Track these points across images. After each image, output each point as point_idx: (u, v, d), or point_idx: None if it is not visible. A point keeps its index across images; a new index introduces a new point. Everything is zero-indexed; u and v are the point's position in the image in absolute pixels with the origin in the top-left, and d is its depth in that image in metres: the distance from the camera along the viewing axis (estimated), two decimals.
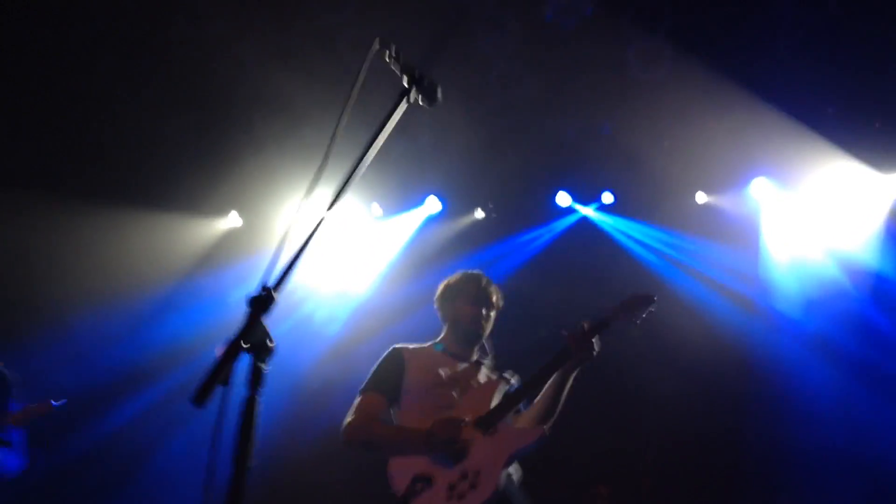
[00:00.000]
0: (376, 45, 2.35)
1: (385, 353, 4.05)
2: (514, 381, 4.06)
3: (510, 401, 3.82)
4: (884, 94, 6.47)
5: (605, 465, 6.99)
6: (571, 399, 3.88)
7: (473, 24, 6.36)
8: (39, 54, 6.46)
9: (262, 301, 1.83)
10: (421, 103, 2.54)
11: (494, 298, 4.15)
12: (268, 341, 1.81)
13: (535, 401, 3.94)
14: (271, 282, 1.89)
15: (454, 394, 3.90)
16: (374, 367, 4.01)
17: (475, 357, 4.18)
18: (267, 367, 1.80)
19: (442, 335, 4.18)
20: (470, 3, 6.13)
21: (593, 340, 3.76)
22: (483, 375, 4.09)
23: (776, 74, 6.35)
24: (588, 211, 8.05)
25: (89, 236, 7.42)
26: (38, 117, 6.87)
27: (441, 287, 4.23)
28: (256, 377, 1.79)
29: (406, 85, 2.43)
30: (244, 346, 1.76)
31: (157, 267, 7.75)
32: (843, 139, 6.65)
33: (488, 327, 4.15)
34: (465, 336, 4.11)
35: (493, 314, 4.15)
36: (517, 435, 3.73)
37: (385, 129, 2.29)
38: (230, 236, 8.27)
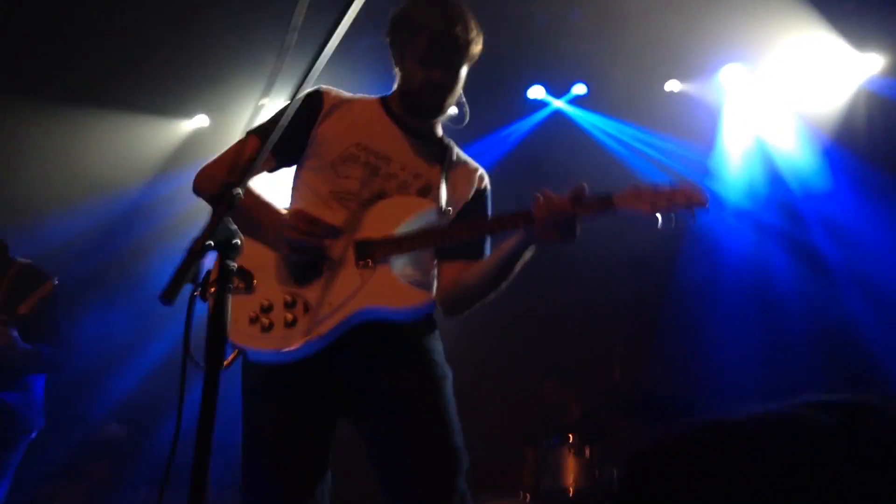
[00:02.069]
0: None
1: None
2: (453, 202, 2.87)
3: (421, 237, 2.68)
4: None
5: (567, 359, 7.25)
6: (520, 283, 2.83)
7: None
8: None
9: (226, 198, 1.81)
10: None
11: (465, 45, 2.78)
12: (234, 239, 1.80)
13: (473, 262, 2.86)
14: (235, 179, 1.87)
15: (364, 181, 2.77)
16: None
17: (435, 131, 3.00)
18: (234, 265, 1.80)
19: (392, 89, 2.99)
20: None
21: (575, 220, 2.51)
22: (421, 173, 2.85)
23: None
24: (560, 104, 7.97)
25: (56, 137, 7.28)
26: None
27: (392, 16, 2.90)
28: (224, 275, 1.78)
29: None
30: (210, 243, 1.75)
31: (124, 169, 7.64)
32: (821, 11, 6.57)
33: (452, 95, 2.88)
34: (412, 106, 2.90)
35: (461, 73, 2.85)
36: (392, 288, 2.61)
37: (345, 21, 2.21)
38: (197, 137, 8.14)
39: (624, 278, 7.57)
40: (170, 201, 7.42)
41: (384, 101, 2.98)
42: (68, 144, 7.36)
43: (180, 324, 1.78)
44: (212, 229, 1.76)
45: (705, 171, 7.55)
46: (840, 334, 6.86)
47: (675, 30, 6.71)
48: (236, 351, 2.60)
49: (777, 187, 7.54)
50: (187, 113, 8.10)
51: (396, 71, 2.94)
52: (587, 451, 5.76)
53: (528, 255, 2.73)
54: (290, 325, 2.56)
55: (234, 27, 6.90)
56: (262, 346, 2.57)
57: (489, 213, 3.03)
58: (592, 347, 7.25)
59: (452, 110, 3.01)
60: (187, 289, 1.71)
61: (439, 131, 3.03)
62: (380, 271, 2.63)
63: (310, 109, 2.82)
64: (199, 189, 2.81)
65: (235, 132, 7.79)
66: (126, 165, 7.71)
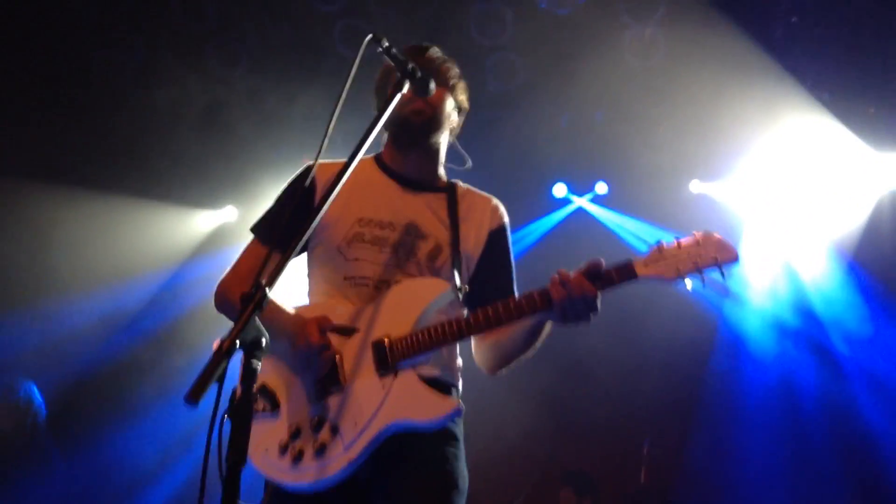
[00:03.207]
0: (369, 40, 2.34)
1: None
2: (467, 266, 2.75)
3: (440, 336, 2.54)
4: (877, 78, 6.48)
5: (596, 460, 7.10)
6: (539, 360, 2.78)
7: (467, 14, 6.34)
8: (37, 48, 6.46)
9: (256, 298, 1.82)
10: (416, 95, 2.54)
11: (446, 71, 2.80)
12: (262, 338, 1.80)
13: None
14: (265, 278, 1.88)
15: (374, 261, 2.69)
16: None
17: (437, 175, 2.88)
18: (260, 365, 1.80)
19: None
20: None
21: (595, 297, 2.42)
22: (429, 233, 2.75)
23: (772, 59, 6.34)
24: (582, 202, 8.05)
25: (89, 225, 7.41)
26: (42, 110, 6.88)
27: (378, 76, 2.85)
28: (249, 374, 1.78)
29: (399, 78, 2.43)
30: (238, 343, 1.76)
31: (152, 257, 7.73)
32: (840, 118, 6.64)
33: (442, 115, 2.79)
34: (402, 129, 2.76)
35: (447, 97, 2.81)
36: (417, 398, 2.48)
37: (379, 122, 2.30)
38: (225, 229, 8.26)
39: (651, 376, 7.46)
40: (195, 287, 7.48)
41: (377, 158, 2.93)
42: (96, 231, 7.47)
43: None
44: (240, 328, 1.76)
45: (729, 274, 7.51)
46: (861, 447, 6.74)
47: (693, 132, 6.82)
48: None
49: (799, 299, 7.49)
50: (216, 204, 8.23)
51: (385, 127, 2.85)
52: None
53: (549, 327, 2.65)
54: (320, 453, 2.45)
55: (264, 123, 7.11)
56: (296, 480, 2.47)
57: (510, 252, 2.93)
58: (616, 446, 7.09)
59: (445, 137, 2.90)
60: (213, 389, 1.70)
61: (442, 174, 2.93)
62: (402, 378, 2.51)
63: (307, 197, 2.71)
64: (222, 304, 2.77)
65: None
66: (154, 253, 7.80)
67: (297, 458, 2.46)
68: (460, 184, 2.95)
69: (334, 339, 2.56)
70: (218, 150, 7.27)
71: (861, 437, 6.84)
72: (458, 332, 2.57)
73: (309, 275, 2.85)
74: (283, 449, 2.48)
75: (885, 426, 6.79)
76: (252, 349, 1.79)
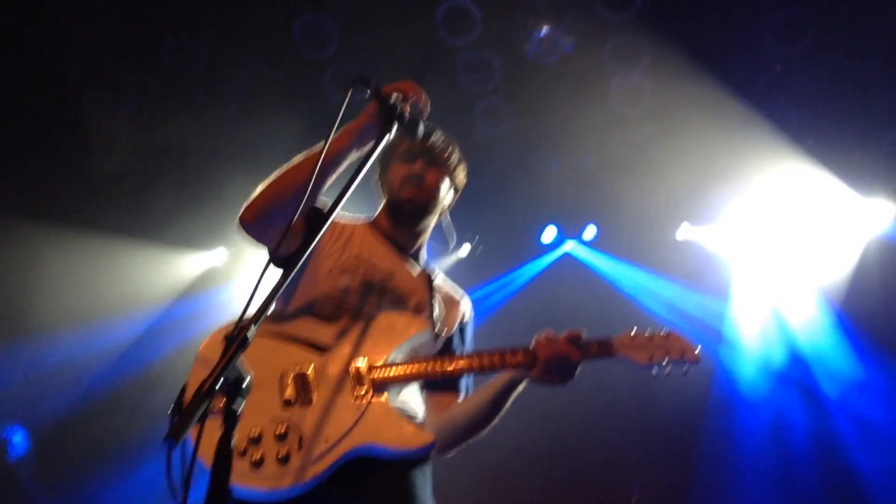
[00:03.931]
0: (356, 84, 2.37)
1: None
2: (444, 326, 2.87)
3: (422, 367, 2.59)
4: (861, 124, 6.57)
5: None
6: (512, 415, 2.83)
7: (455, 62, 6.43)
8: (33, 82, 6.50)
9: (240, 338, 1.81)
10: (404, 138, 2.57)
11: (446, 155, 2.95)
12: (244, 380, 1.79)
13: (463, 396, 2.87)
14: (248, 319, 1.87)
15: (360, 293, 2.73)
16: None
17: (420, 253, 3.04)
18: (241, 407, 1.78)
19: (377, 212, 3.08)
20: (452, 41, 6.19)
21: (577, 361, 2.61)
22: (415, 291, 2.84)
23: (757, 106, 6.43)
24: (571, 246, 8.09)
25: (73, 262, 7.39)
26: (33, 147, 6.89)
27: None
28: (230, 417, 1.77)
29: (386, 120, 2.45)
30: (220, 384, 1.74)
31: (140, 295, 7.71)
32: (825, 164, 6.72)
33: (435, 201, 2.94)
34: (395, 210, 2.93)
35: (444, 179, 2.96)
36: (391, 425, 2.47)
37: (366, 166, 2.31)
38: (215, 270, 8.26)
39: (641, 422, 7.43)
40: (183, 327, 7.44)
41: (373, 222, 3.03)
42: (83, 270, 7.44)
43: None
44: (221, 370, 1.75)
45: (719, 319, 7.56)
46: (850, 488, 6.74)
47: (681, 178, 6.89)
48: None
49: (788, 344, 7.52)
50: (207, 245, 8.23)
51: (381, 192, 3.05)
52: None
53: (520, 389, 2.74)
54: (283, 461, 2.34)
55: (254, 166, 7.12)
56: (253, 485, 2.32)
57: (468, 343, 3.03)
58: (606, 493, 7.02)
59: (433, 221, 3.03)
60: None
61: (424, 255, 3.06)
62: (377, 404, 2.48)
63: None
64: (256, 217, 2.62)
65: (251, 265, 7.96)
66: (144, 293, 7.77)
67: (258, 463, 2.34)
68: (437, 269, 3.06)
69: (311, 353, 2.56)
70: (207, 193, 7.30)
71: (849, 478, 6.88)
72: (440, 368, 2.62)
73: (292, 287, 2.78)
74: (242, 452, 2.35)
75: (870, 468, 6.82)
76: (234, 391, 1.77)
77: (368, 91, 2.42)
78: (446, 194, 3.01)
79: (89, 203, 7.28)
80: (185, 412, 1.67)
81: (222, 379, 1.73)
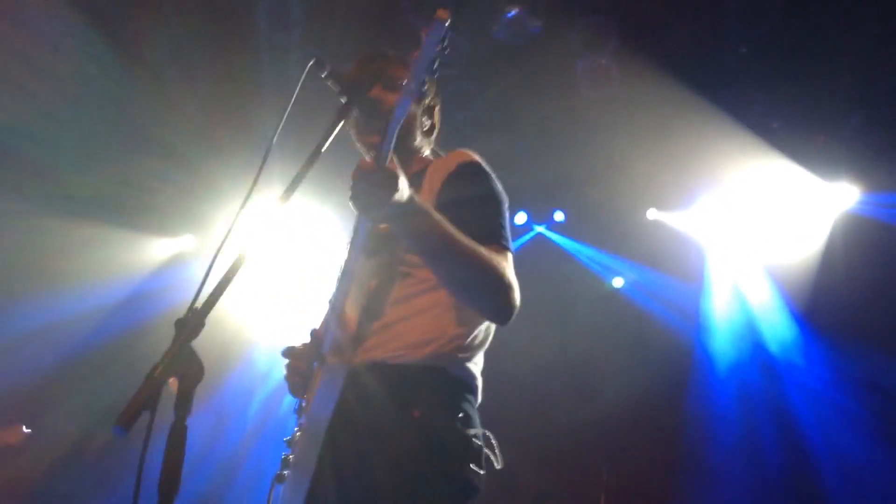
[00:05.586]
0: (311, 65, 2.34)
1: None
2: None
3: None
4: (825, 107, 6.63)
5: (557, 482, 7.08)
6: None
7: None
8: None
9: (190, 324, 1.79)
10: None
11: (401, 79, 2.31)
12: (196, 366, 1.77)
13: None
14: (200, 304, 1.86)
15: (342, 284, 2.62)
16: None
17: (413, 171, 2.66)
18: (194, 393, 1.76)
19: None
20: (417, 23, 6.15)
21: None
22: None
23: (722, 89, 6.46)
24: (541, 229, 8.13)
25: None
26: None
27: None
28: (183, 403, 1.74)
29: (344, 102, 2.42)
30: (171, 370, 1.72)
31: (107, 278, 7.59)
32: (789, 150, 6.77)
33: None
34: None
35: (386, 101, 2.58)
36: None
37: (322, 148, 2.28)
38: (182, 256, 8.18)
39: (619, 403, 7.47)
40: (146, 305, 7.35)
41: None
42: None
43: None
44: (172, 355, 1.73)
45: (694, 306, 7.64)
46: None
47: (649, 161, 6.92)
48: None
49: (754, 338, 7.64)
50: (174, 232, 8.16)
51: None
52: None
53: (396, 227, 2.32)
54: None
55: (219, 155, 7.06)
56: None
57: (469, 189, 2.60)
58: (576, 471, 7.08)
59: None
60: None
61: (416, 161, 2.75)
62: None
63: None
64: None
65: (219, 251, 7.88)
66: (108, 276, 7.65)
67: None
68: (432, 164, 2.71)
69: None
70: (175, 179, 7.22)
71: (802, 443, 7.08)
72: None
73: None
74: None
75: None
76: (185, 376, 1.75)
77: (324, 72, 2.39)
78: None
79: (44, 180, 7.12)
80: (135, 398, 1.65)
81: (172, 364, 1.71)
